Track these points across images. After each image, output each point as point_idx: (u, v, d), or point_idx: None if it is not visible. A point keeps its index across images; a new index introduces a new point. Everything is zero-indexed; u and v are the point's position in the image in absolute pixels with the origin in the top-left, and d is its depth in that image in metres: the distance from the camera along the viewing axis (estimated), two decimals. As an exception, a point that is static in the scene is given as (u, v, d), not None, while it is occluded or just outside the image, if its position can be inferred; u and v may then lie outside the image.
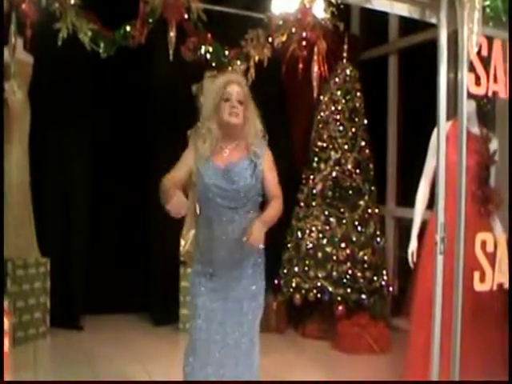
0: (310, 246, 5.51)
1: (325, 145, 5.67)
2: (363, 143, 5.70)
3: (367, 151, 5.72)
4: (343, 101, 5.68)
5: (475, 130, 3.85)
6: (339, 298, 5.38)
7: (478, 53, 3.09)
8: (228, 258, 3.04)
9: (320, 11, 3.97)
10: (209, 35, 4.89)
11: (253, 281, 3.09)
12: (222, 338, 3.03)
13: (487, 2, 3.14)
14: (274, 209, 3.01)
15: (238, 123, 3.02)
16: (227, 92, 3.01)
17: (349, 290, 5.38)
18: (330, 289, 5.39)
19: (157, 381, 4.27)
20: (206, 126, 3.06)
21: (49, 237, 5.42)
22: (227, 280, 3.06)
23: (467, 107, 3.19)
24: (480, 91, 3.17)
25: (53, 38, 4.05)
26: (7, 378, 2.79)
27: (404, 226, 5.78)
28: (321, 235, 5.52)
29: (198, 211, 3.15)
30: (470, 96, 3.22)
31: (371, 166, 5.75)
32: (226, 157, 3.05)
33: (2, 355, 2.83)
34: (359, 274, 5.44)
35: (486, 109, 4.02)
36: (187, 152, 3.12)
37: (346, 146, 5.62)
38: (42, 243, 5.32)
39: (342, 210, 5.55)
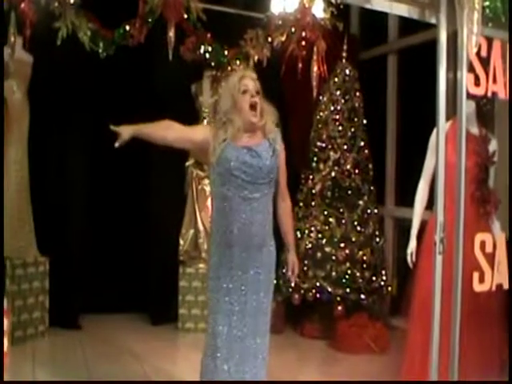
0: (309, 246, 5.50)
1: (324, 145, 5.67)
2: (362, 143, 5.70)
3: (366, 151, 5.71)
4: (342, 101, 5.67)
5: (474, 130, 3.85)
6: (338, 298, 5.38)
7: (478, 53, 3.09)
8: (247, 244, 3.07)
9: (319, 11, 3.97)
10: (208, 35, 4.90)
11: (270, 270, 3.18)
12: (243, 332, 3.07)
13: (487, 3, 3.14)
14: (292, 228, 3.45)
15: (259, 120, 3.11)
16: (244, 84, 3.10)
17: (348, 290, 5.38)
18: (329, 289, 5.38)
19: (157, 381, 4.26)
20: (226, 118, 3.10)
21: (48, 236, 5.40)
22: (246, 271, 3.08)
23: (466, 107, 3.19)
24: (479, 91, 3.18)
25: (52, 37, 4.05)
26: (6, 377, 2.79)
27: (403, 226, 5.77)
28: (320, 235, 5.51)
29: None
30: (470, 96, 3.22)
31: (370, 166, 5.74)
32: (245, 141, 3.11)
33: (2, 355, 2.83)
34: (358, 274, 5.44)
35: (485, 109, 4.02)
36: (201, 127, 3.15)
37: (345, 146, 5.62)
38: (41, 242, 5.32)
39: (341, 210, 5.55)
